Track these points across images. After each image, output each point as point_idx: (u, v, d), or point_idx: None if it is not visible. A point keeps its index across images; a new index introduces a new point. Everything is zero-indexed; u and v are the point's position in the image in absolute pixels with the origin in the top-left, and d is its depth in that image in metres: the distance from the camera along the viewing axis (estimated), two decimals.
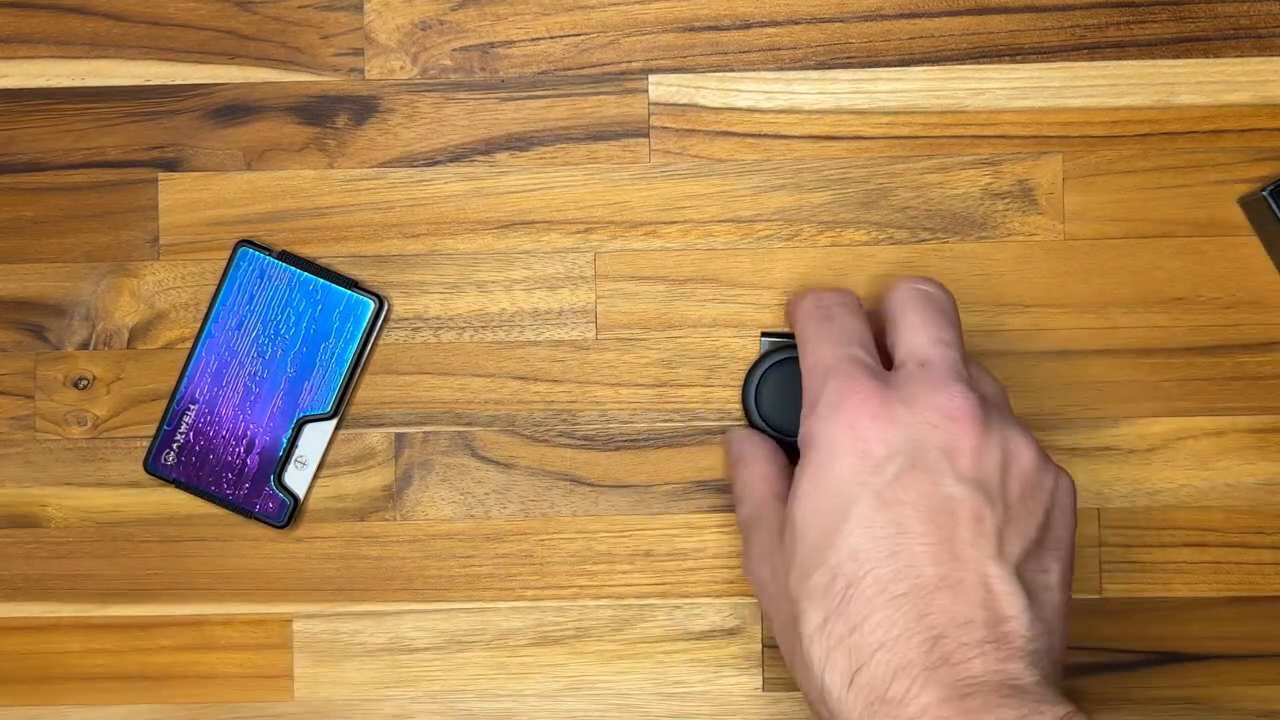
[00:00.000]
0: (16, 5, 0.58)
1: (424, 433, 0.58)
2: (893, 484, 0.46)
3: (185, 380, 0.57)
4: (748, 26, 0.57)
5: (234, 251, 0.57)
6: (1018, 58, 0.57)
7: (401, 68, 0.58)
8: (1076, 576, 0.52)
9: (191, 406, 0.57)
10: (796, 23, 0.58)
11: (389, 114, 0.58)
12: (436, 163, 0.58)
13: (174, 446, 0.57)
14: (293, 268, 0.57)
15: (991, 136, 0.57)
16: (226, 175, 0.58)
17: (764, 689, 0.57)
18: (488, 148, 0.58)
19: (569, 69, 0.58)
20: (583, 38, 0.58)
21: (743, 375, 0.57)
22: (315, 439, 0.57)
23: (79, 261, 0.58)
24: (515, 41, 0.58)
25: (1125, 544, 0.57)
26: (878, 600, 0.44)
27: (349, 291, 0.57)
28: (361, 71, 0.58)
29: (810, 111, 0.57)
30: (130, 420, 0.58)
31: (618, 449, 0.57)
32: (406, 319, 0.58)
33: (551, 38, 0.58)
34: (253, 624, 0.58)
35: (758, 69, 0.57)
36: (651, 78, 0.58)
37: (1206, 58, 0.57)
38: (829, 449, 0.47)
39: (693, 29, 0.58)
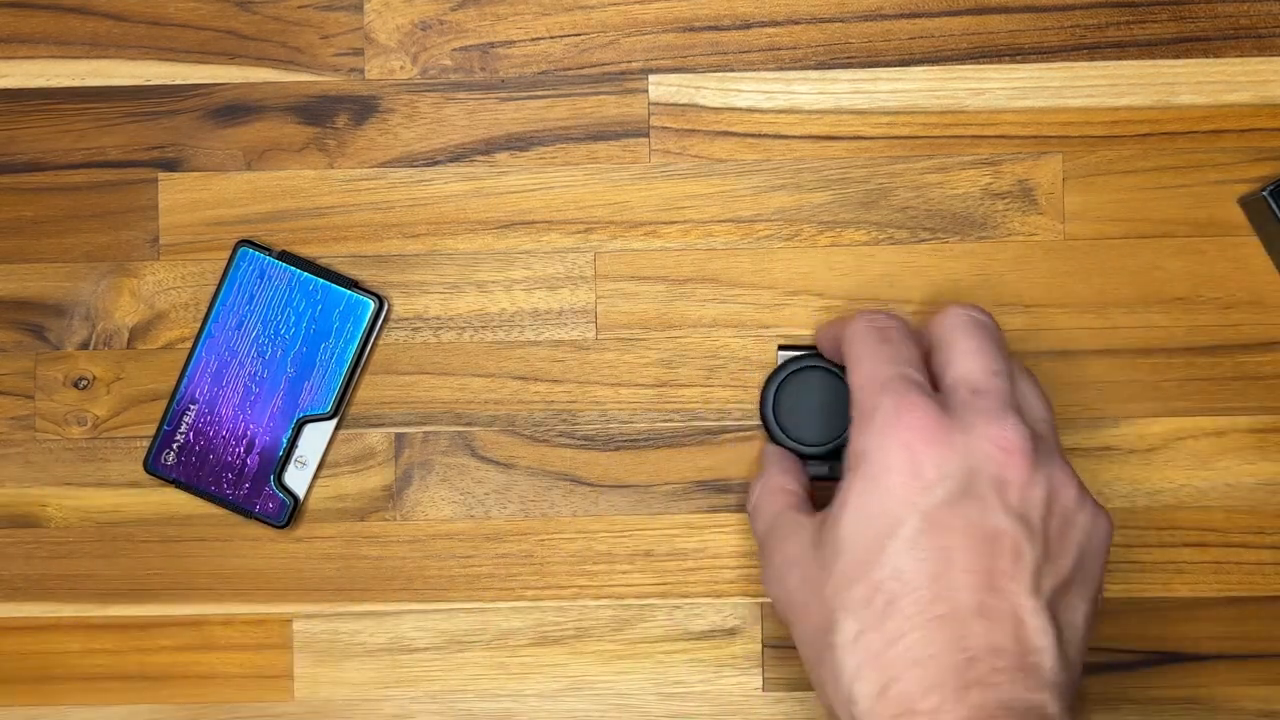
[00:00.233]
0: (16, 5, 0.58)
1: (424, 433, 0.58)
2: (941, 508, 0.46)
3: (185, 380, 0.57)
4: (748, 26, 0.58)
5: (234, 251, 0.57)
6: (1018, 58, 0.57)
7: (401, 68, 0.58)
8: None
9: (191, 406, 0.57)
10: (796, 23, 0.58)
11: (389, 114, 0.58)
12: (436, 163, 0.58)
13: (174, 446, 0.57)
14: (293, 268, 0.57)
15: (991, 136, 0.57)
16: (226, 175, 0.58)
17: (764, 689, 0.57)
18: (488, 148, 0.58)
19: (569, 69, 0.58)
20: (583, 38, 0.58)
21: (743, 375, 0.57)
22: (315, 439, 0.57)
23: (79, 261, 0.58)
24: (515, 41, 0.58)
25: (1125, 544, 0.57)
26: (916, 620, 0.45)
27: (349, 291, 0.57)
28: (361, 71, 0.58)
29: (810, 111, 0.57)
30: (130, 420, 0.58)
31: (618, 449, 0.57)
32: (406, 319, 0.58)
33: (551, 38, 0.58)
34: (253, 624, 0.58)
35: (758, 69, 0.57)
36: (651, 78, 0.58)
37: (1206, 58, 0.57)
38: (881, 465, 0.47)
39: (693, 29, 0.58)
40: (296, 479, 0.57)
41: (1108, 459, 0.57)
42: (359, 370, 0.57)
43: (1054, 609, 0.46)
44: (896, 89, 0.57)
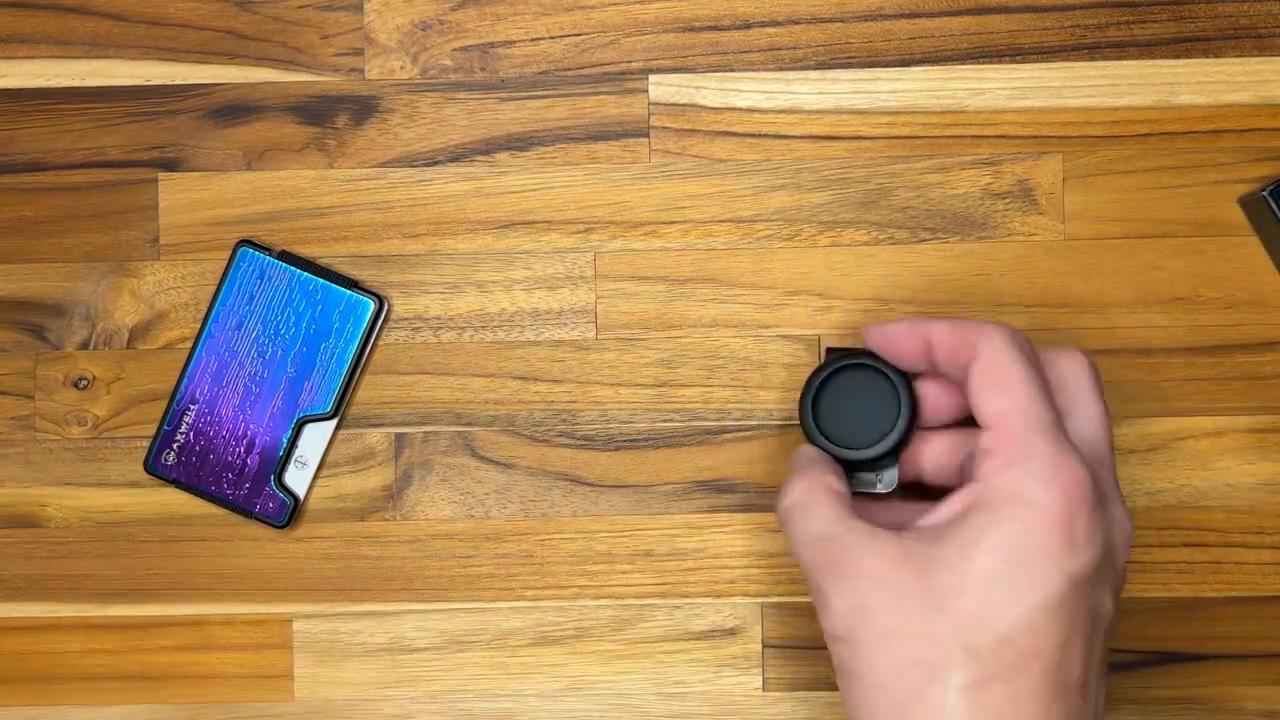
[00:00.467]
0: (16, 5, 0.58)
1: (424, 433, 0.58)
2: (1082, 577, 0.44)
3: (185, 380, 0.57)
4: (748, 26, 0.58)
5: (234, 251, 0.57)
6: (1018, 58, 0.57)
7: (401, 68, 0.58)
8: None
9: (191, 406, 0.57)
10: (796, 23, 0.58)
11: (389, 114, 0.58)
12: (436, 163, 0.58)
13: (174, 446, 0.57)
14: (293, 268, 0.57)
15: (991, 136, 0.57)
16: (226, 175, 0.58)
17: (764, 689, 0.57)
18: (488, 148, 0.58)
19: (569, 69, 0.58)
20: (583, 38, 0.58)
21: (743, 375, 0.57)
22: (315, 439, 0.57)
23: (79, 261, 0.58)
24: (515, 41, 0.58)
25: None
26: (1044, 683, 0.44)
27: (349, 291, 0.57)
28: (361, 71, 0.58)
29: (810, 111, 0.57)
30: (130, 420, 0.58)
31: (618, 449, 0.57)
32: (406, 319, 0.58)
33: (551, 38, 0.58)
34: (253, 624, 0.58)
35: (758, 69, 0.57)
36: (651, 78, 0.58)
37: (1206, 58, 0.57)
38: (1035, 516, 0.44)
39: (693, 29, 0.58)
40: (296, 479, 0.57)
41: None
42: (359, 370, 0.57)
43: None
44: (896, 89, 0.57)
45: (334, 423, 0.57)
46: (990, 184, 0.57)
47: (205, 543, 0.58)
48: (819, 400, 0.51)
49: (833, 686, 0.57)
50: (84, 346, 0.58)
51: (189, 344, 0.57)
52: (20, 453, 0.58)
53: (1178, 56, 0.57)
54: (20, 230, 0.58)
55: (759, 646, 0.57)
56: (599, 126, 0.58)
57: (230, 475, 0.57)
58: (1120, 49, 0.57)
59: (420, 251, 0.58)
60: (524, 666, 0.57)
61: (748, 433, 0.57)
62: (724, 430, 0.57)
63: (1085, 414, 0.48)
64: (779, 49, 0.57)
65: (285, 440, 0.57)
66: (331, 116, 0.58)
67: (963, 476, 0.49)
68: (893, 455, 0.50)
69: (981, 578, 0.44)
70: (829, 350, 0.53)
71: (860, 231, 0.57)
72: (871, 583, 0.45)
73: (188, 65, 0.58)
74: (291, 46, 0.58)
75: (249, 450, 0.57)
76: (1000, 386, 0.46)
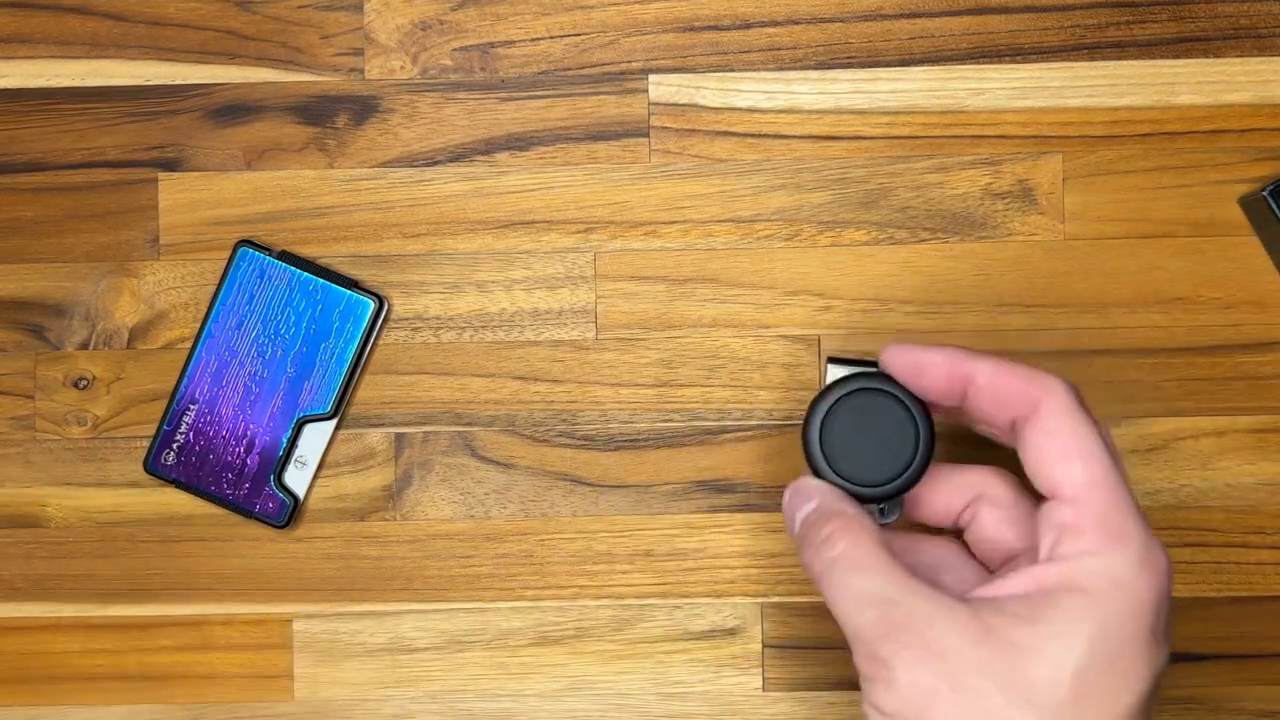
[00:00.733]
0: (16, 5, 0.58)
1: (424, 433, 0.58)
2: (1163, 670, 0.42)
3: (185, 380, 0.57)
4: (748, 26, 0.57)
5: (234, 251, 0.57)
6: (1018, 58, 0.57)
7: (401, 68, 0.58)
8: None
9: (191, 406, 0.57)
10: (796, 23, 0.58)
11: (389, 114, 0.58)
12: (436, 163, 0.58)
13: (174, 446, 0.57)
14: (293, 268, 0.57)
15: (991, 136, 0.57)
16: (226, 175, 0.58)
17: (764, 689, 0.57)
18: (488, 148, 0.58)
19: (569, 69, 0.58)
20: (583, 38, 0.58)
21: (743, 375, 0.57)
22: (315, 439, 0.57)
23: (79, 261, 0.58)
24: (515, 41, 0.58)
25: None
26: None
27: (349, 291, 0.57)
28: (361, 71, 0.58)
29: (810, 111, 0.57)
30: (130, 420, 0.58)
31: (618, 449, 0.57)
32: (406, 319, 0.58)
33: (551, 38, 0.58)
34: (253, 624, 0.58)
35: (758, 69, 0.57)
36: (651, 78, 0.58)
37: (1206, 58, 0.57)
38: (1129, 605, 0.41)
39: (693, 29, 0.58)
40: (296, 479, 0.57)
41: None
42: (359, 370, 0.57)
43: None
44: (896, 89, 0.57)
45: (334, 423, 0.57)
46: (990, 184, 0.57)
47: (205, 543, 0.58)
48: (826, 426, 0.47)
49: (833, 687, 0.57)
50: (84, 346, 0.58)
51: (189, 344, 0.57)
52: (20, 453, 0.58)
53: (1178, 56, 0.57)
54: (20, 230, 0.58)
55: (759, 646, 0.57)
56: (599, 126, 0.58)
57: (230, 475, 0.57)
58: (1120, 49, 0.57)
59: (420, 251, 0.58)
60: (524, 666, 0.57)
61: (748, 433, 0.57)
62: (724, 430, 0.57)
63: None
64: (779, 49, 0.57)
65: (285, 440, 0.57)
66: (331, 116, 0.58)
67: (983, 529, 0.47)
68: (902, 492, 0.47)
69: (1079, 673, 0.40)
70: (831, 360, 0.48)
71: (860, 231, 0.57)
72: (948, 663, 0.40)
73: (188, 65, 0.58)
74: (291, 46, 0.58)
75: (249, 450, 0.57)
76: (1076, 455, 0.42)
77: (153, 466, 0.57)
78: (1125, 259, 0.57)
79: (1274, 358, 0.57)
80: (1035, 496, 0.45)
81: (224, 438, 0.57)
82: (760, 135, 0.57)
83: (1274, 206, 0.54)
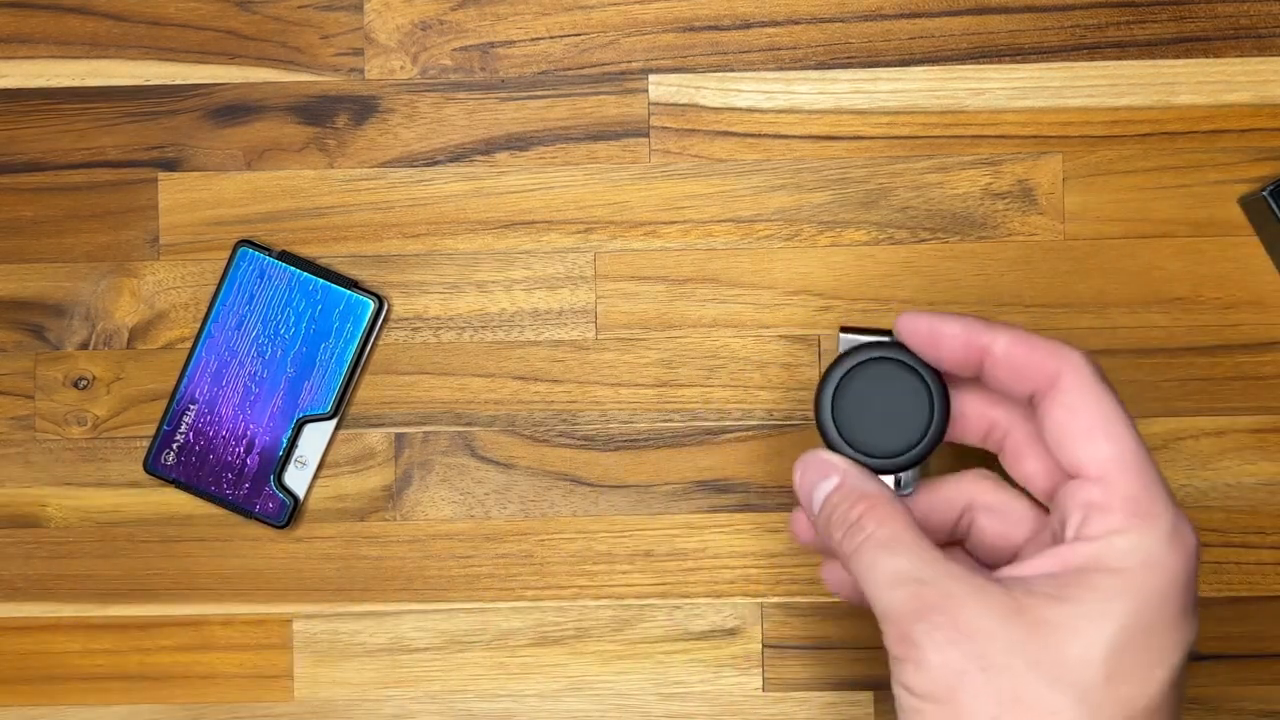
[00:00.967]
0: (16, 5, 0.58)
1: (424, 433, 0.58)
2: (1192, 646, 0.41)
3: (185, 380, 0.57)
4: (748, 26, 0.57)
5: (234, 251, 0.57)
6: (1018, 58, 0.57)
7: (401, 68, 0.58)
8: None
9: (191, 406, 0.57)
10: (796, 23, 0.58)
11: (389, 114, 0.58)
12: (436, 163, 0.58)
13: (174, 446, 0.57)
14: (293, 268, 0.57)
15: (991, 136, 0.57)
16: (226, 175, 0.58)
17: (764, 689, 0.57)
18: (488, 148, 0.58)
19: (569, 69, 0.58)
20: (583, 38, 0.58)
21: (743, 375, 0.57)
22: (315, 439, 0.57)
23: (79, 261, 0.58)
24: (515, 41, 0.58)
25: None
26: None
27: (349, 291, 0.57)
28: (361, 71, 0.58)
29: (810, 111, 0.57)
30: (130, 420, 0.58)
31: (618, 449, 0.57)
32: (406, 319, 0.58)
33: (551, 38, 0.58)
34: (253, 624, 0.58)
35: (758, 69, 0.57)
36: (651, 78, 0.58)
37: (1206, 58, 0.57)
38: (1161, 582, 0.40)
39: (693, 29, 0.58)
40: (296, 479, 0.57)
41: None
42: (359, 370, 0.57)
43: None
44: (896, 89, 0.57)
45: (334, 423, 0.57)
46: (990, 184, 0.57)
47: (205, 543, 0.58)
48: (838, 397, 0.46)
49: (833, 687, 0.57)
50: (84, 346, 0.58)
51: (189, 344, 0.57)
52: (20, 453, 0.58)
53: (1178, 56, 0.57)
54: (20, 230, 0.58)
55: (759, 646, 0.57)
56: (599, 126, 0.58)
57: (230, 475, 0.57)
58: (1120, 49, 0.57)
59: (420, 251, 0.58)
60: (524, 666, 0.57)
61: (748, 433, 0.57)
62: (724, 430, 0.57)
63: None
64: (779, 49, 0.57)
65: (285, 440, 0.57)
66: (331, 116, 0.58)
67: (984, 536, 0.46)
68: (916, 464, 0.46)
69: (1113, 651, 0.39)
70: (843, 329, 0.47)
71: (860, 231, 0.57)
72: (980, 641, 0.39)
73: (188, 65, 0.58)
74: (291, 46, 0.58)
75: (249, 450, 0.57)
76: (1101, 431, 0.42)
77: (153, 466, 0.57)
78: (1125, 259, 0.57)
79: (1274, 358, 0.57)
80: (1019, 489, 0.46)
81: (224, 438, 0.57)
82: (760, 135, 0.57)
83: (1274, 206, 0.54)
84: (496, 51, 0.58)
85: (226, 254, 0.57)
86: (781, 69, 0.57)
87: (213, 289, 0.57)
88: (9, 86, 0.58)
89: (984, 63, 0.57)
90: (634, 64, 0.58)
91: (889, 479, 0.46)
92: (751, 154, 0.57)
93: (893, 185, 0.57)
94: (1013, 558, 0.47)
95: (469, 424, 0.57)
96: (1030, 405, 0.44)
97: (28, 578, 0.58)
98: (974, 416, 0.47)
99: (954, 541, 0.48)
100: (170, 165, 0.58)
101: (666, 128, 0.57)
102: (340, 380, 0.57)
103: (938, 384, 0.46)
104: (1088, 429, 0.42)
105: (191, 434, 0.57)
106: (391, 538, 0.57)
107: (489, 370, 0.58)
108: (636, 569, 0.57)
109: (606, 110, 0.58)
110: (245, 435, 0.57)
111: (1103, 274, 0.57)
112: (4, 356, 0.58)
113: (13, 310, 0.58)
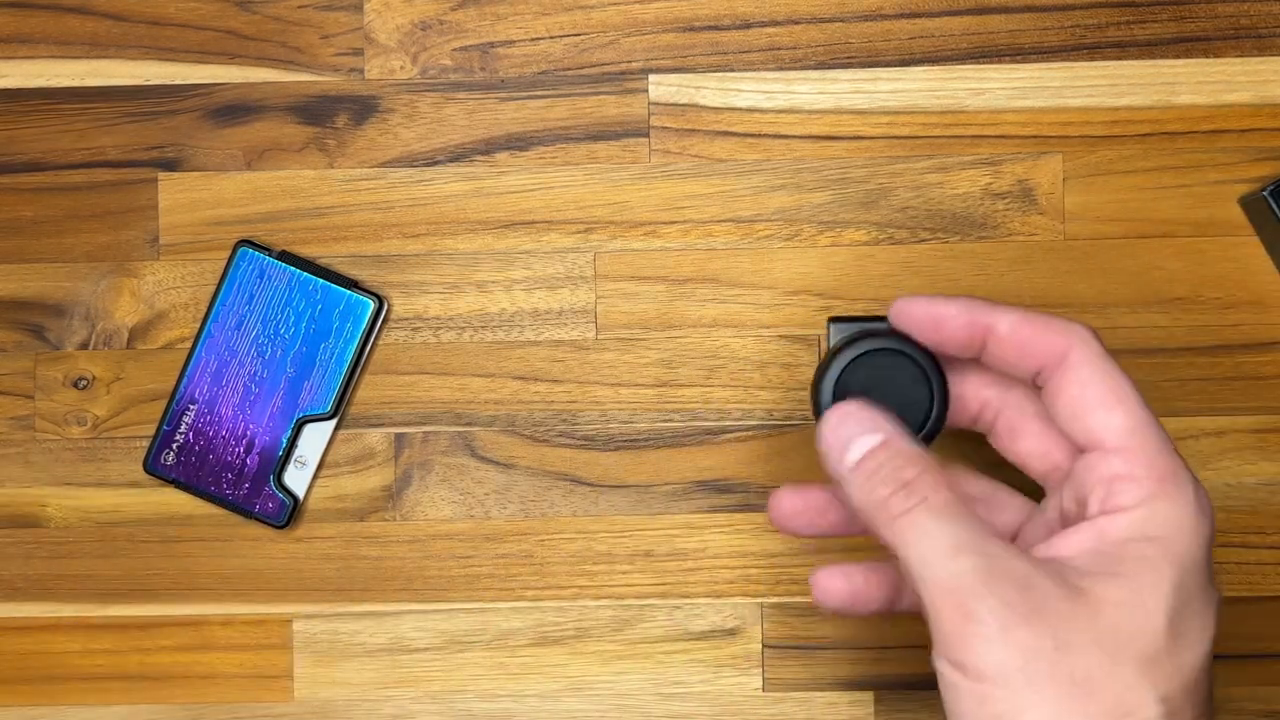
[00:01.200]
0: (16, 5, 0.58)
1: (424, 433, 0.58)
2: (1220, 604, 0.42)
3: (185, 380, 0.57)
4: (748, 26, 0.57)
5: (234, 251, 0.57)
6: (1018, 58, 0.57)
7: (401, 68, 0.58)
8: None
9: (191, 406, 0.57)
10: (796, 23, 0.58)
11: (389, 114, 0.58)
12: (436, 163, 0.58)
13: (174, 446, 0.57)
14: (293, 268, 0.57)
15: (991, 136, 0.57)
16: (226, 175, 0.58)
17: (764, 689, 0.57)
18: (488, 148, 0.58)
19: (569, 69, 0.58)
20: (583, 38, 0.58)
21: (743, 375, 0.57)
22: (315, 439, 0.57)
23: (79, 261, 0.58)
24: (515, 41, 0.58)
25: None
26: None
27: (349, 291, 0.57)
28: (361, 71, 0.58)
29: (810, 111, 0.57)
30: (130, 420, 0.58)
31: (618, 449, 0.57)
32: (406, 319, 0.58)
33: (551, 38, 0.58)
34: (253, 624, 0.58)
35: (758, 69, 0.57)
36: (651, 78, 0.58)
37: (1206, 58, 0.57)
38: (1196, 548, 0.40)
39: (693, 29, 0.58)
40: (296, 479, 0.57)
41: None
42: (359, 370, 0.57)
43: None
44: (896, 89, 0.57)
45: (334, 423, 0.57)
46: (990, 184, 0.57)
47: (205, 543, 0.58)
48: (837, 389, 0.45)
49: (833, 687, 0.57)
50: (84, 346, 0.58)
51: (189, 344, 0.57)
52: (20, 453, 0.58)
53: (1178, 56, 0.57)
54: (20, 230, 0.58)
55: (759, 647, 0.57)
56: (599, 126, 0.58)
57: (230, 475, 0.57)
58: (1120, 49, 0.57)
59: (420, 251, 0.58)
60: (524, 666, 0.57)
61: (748, 433, 0.57)
62: (724, 430, 0.57)
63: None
64: (779, 49, 0.57)
65: (285, 440, 0.57)
66: (331, 116, 0.58)
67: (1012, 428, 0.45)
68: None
69: (1171, 620, 0.39)
70: (833, 320, 0.47)
71: (860, 231, 0.57)
72: (1047, 620, 0.39)
73: (188, 65, 0.58)
74: (291, 46, 0.58)
75: (249, 450, 0.57)
76: (1116, 403, 0.42)
77: (152, 466, 0.57)
78: (1125, 259, 0.57)
79: (1274, 358, 0.57)
80: (999, 479, 0.46)
81: (224, 438, 0.57)
82: (760, 135, 0.57)
83: (1274, 206, 0.54)
84: (496, 51, 0.58)
85: (226, 254, 0.57)
86: (781, 69, 0.57)
87: (213, 289, 0.57)
88: (9, 86, 0.58)
89: (984, 63, 0.57)
90: (634, 64, 0.58)
91: None
92: (751, 154, 0.57)
93: (893, 185, 0.57)
94: (1053, 467, 0.46)
95: (469, 424, 0.57)
96: (1033, 384, 0.44)
97: (28, 578, 0.58)
98: (966, 398, 0.46)
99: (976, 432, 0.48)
100: (170, 165, 0.58)
101: (666, 128, 0.57)
102: (340, 380, 0.57)
103: (935, 370, 0.45)
104: (1103, 402, 0.42)
105: (191, 434, 0.57)
106: (391, 538, 0.57)
107: (489, 370, 0.58)
108: (636, 569, 0.57)
109: (606, 110, 0.58)
110: (245, 435, 0.57)
111: (1103, 274, 0.57)
112: (4, 356, 0.58)
113: (13, 310, 0.58)
